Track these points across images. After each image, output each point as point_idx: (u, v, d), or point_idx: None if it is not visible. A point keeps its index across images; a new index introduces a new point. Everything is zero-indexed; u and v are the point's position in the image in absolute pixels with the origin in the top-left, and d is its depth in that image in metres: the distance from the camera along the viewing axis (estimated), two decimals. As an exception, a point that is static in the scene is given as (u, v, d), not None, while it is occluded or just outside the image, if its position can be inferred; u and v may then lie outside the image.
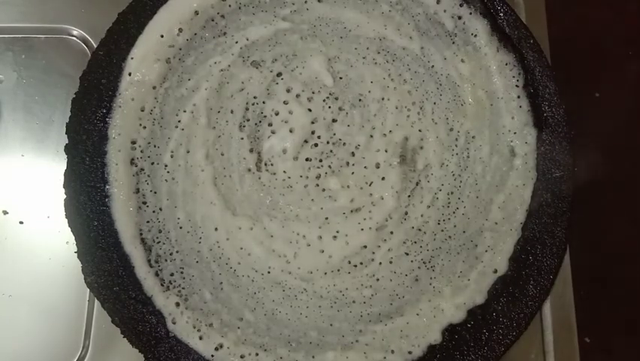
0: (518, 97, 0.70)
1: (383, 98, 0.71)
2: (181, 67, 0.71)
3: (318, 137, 0.70)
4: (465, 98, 0.71)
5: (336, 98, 0.71)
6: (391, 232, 0.68)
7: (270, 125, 0.71)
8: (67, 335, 0.72)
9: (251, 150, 0.70)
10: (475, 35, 0.72)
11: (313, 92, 0.71)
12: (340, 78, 0.72)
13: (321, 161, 0.70)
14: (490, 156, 0.70)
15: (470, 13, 0.72)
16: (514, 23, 0.71)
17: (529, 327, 0.67)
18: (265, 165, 0.70)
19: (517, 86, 0.70)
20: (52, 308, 0.73)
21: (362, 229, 0.68)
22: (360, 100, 0.71)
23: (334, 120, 0.71)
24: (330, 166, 0.70)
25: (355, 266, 0.68)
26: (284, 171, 0.69)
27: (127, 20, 0.71)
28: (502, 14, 0.72)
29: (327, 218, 0.69)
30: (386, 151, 0.70)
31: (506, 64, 0.71)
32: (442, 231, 0.69)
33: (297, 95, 0.71)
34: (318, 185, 0.69)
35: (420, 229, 0.69)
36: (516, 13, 0.72)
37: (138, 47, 0.71)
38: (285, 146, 0.70)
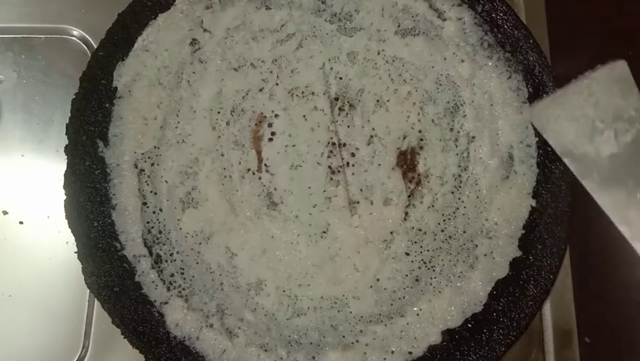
0: (518, 97, 0.70)
1: (383, 99, 0.71)
2: (181, 68, 0.71)
3: (318, 140, 0.70)
4: (465, 98, 0.71)
5: (336, 99, 0.71)
6: (391, 232, 0.68)
7: (269, 125, 0.71)
8: (67, 335, 0.72)
9: (251, 151, 0.70)
10: (475, 36, 0.72)
11: (313, 93, 0.71)
12: (340, 79, 0.72)
13: (319, 164, 0.70)
14: (490, 156, 0.69)
15: (470, 14, 0.72)
16: (514, 23, 0.71)
17: (529, 327, 0.66)
18: (265, 165, 0.70)
19: (517, 87, 0.70)
20: (52, 308, 0.73)
21: (362, 230, 0.68)
22: (359, 101, 0.71)
23: (334, 121, 0.71)
24: (330, 167, 0.70)
25: (356, 266, 0.68)
26: (284, 172, 0.69)
27: (127, 20, 0.71)
28: (502, 14, 0.71)
29: (327, 219, 0.68)
30: (386, 152, 0.70)
31: (506, 64, 0.71)
32: (442, 231, 0.69)
33: (297, 96, 0.71)
34: (318, 186, 0.69)
35: (420, 230, 0.68)
36: (516, 13, 0.72)
37: (137, 48, 0.71)
38: (284, 147, 0.70)
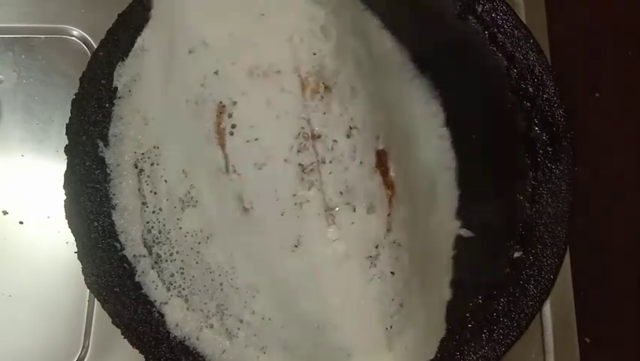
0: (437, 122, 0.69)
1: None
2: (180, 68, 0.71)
3: (286, 131, 0.58)
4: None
5: (308, 79, 0.58)
6: (377, 247, 0.58)
7: (230, 116, 0.59)
8: (67, 335, 0.72)
9: (217, 148, 0.61)
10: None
11: (278, 72, 0.58)
12: (314, 54, 0.58)
13: (287, 161, 0.57)
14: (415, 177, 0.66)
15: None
16: (514, 23, 0.71)
17: (529, 327, 0.66)
18: (232, 166, 0.60)
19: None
20: (52, 308, 0.73)
21: (343, 244, 0.57)
22: (336, 83, 0.58)
23: (306, 106, 0.58)
24: (301, 164, 0.57)
25: (333, 288, 0.59)
26: (248, 172, 0.59)
27: (127, 20, 0.71)
28: (502, 14, 0.71)
29: (298, 230, 0.58)
30: (366, 148, 0.59)
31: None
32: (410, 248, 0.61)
33: (258, 76, 0.59)
34: (286, 189, 0.58)
35: (400, 244, 0.59)
36: (516, 13, 0.72)
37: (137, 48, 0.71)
38: (246, 142, 0.59)
